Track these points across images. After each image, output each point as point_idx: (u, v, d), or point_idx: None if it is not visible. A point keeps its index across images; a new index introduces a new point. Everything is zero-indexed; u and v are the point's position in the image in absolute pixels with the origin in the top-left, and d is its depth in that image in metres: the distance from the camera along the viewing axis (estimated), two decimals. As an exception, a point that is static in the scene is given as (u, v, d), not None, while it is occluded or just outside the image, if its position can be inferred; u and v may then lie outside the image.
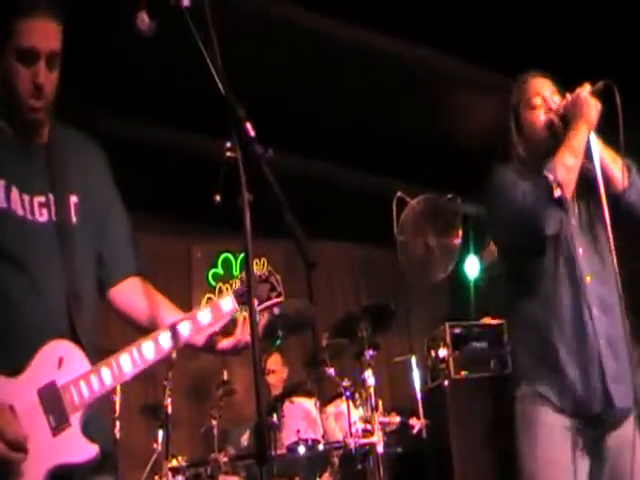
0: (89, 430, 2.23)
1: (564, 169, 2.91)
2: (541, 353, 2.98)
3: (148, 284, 2.61)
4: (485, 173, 3.22)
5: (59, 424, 2.16)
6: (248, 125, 1.94)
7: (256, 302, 2.07)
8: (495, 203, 3.13)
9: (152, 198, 6.82)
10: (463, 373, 7.02)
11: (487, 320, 7.32)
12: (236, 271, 8.48)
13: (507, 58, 5.60)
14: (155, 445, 5.69)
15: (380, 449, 5.13)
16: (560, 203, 2.91)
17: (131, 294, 2.56)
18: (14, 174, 2.35)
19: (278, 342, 5.73)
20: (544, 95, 3.15)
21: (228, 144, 1.90)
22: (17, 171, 2.37)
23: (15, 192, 2.33)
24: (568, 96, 3.07)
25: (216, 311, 2.48)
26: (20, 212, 2.33)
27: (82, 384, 2.22)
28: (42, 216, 2.36)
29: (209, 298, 8.28)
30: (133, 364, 2.31)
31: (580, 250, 3.02)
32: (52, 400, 2.17)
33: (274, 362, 6.62)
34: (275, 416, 5.41)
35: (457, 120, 6.71)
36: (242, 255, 1.90)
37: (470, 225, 7.37)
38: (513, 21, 5.64)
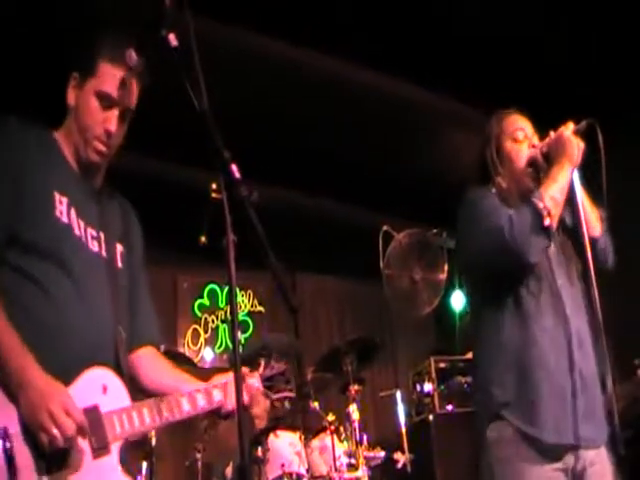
0: (124, 462, 2.29)
1: (551, 200, 2.87)
2: (518, 387, 2.90)
3: (161, 355, 2.72)
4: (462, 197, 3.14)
5: (100, 448, 2.20)
6: (234, 167, 1.96)
7: (272, 393, 2.74)
8: (476, 227, 2.99)
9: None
10: (448, 407, 7.01)
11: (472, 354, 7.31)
12: (222, 302, 8.47)
13: (490, 96, 5.67)
14: (139, 478, 5.63)
15: (365, 483, 5.11)
16: (548, 232, 2.88)
17: (144, 362, 2.62)
18: (75, 199, 2.43)
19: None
20: (526, 131, 3.15)
21: (214, 185, 1.93)
22: (77, 197, 2.45)
23: (74, 212, 2.41)
24: (552, 134, 3.05)
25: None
26: (77, 232, 2.40)
27: (124, 417, 2.28)
28: (94, 246, 2.45)
29: (195, 330, 8.27)
30: (170, 412, 2.42)
31: (559, 281, 3.00)
32: (95, 423, 2.21)
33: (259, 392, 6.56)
34: (260, 449, 5.37)
35: (443, 156, 6.76)
36: (228, 287, 1.92)
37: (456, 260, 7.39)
38: (497, 60, 5.72)
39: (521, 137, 3.13)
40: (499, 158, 3.12)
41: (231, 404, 2.58)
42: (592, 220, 3.03)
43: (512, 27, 5.53)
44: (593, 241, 2.97)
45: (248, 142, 4.28)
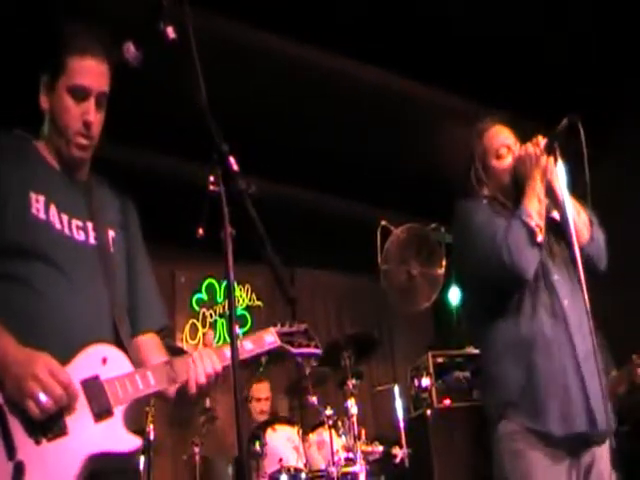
0: (130, 425, 2.26)
1: (538, 215, 2.99)
2: (523, 386, 2.95)
3: (159, 345, 2.65)
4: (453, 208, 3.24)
5: (101, 412, 2.19)
6: (232, 160, 1.95)
7: (293, 348, 2.70)
8: (472, 242, 3.10)
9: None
10: (446, 402, 7.01)
11: (470, 349, 7.32)
12: (220, 297, 8.47)
13: (489, 91, 5.69)
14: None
15: (363, 478, 5.11)
16: (540, 246, 2.99)
17: (142, 350, 2.58)
18: (55, 195, 2.43)
19: (261, 369, 5.73)
20: (509, 144, 3.24)
21: (212, 178, 1.92)
22: (58, 194, 2.45)
23: (53, 208, 2.41)
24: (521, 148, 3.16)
25: (259, 341, 2.66)
26: (58, 226, 2.40)
27: (127, 381, 2.27)
28: (80, 236, 2.44)
29: (193, 324, 8.27)
30: (176, 373, 2.37)
31: (555, 276, 3.06)
32: (95, 391, 2.20)
33: (264, 389, 6.57)
34: (258, 444, 5.39)
35: (441, 151, 6.76)
36: (226, 282, 1.91)
37: (454, 254, 7.38)
38: (497, 60, 5.73)
39: (505, 153, 3.24)
40: (486, 174, 3.25)
41: (193, 384, 2.40)
42: (581, 228, 3.08)
43: (512, 27, 5.53)
44: (582, 249, 2.99)
45: (247, 136, 4.27)
